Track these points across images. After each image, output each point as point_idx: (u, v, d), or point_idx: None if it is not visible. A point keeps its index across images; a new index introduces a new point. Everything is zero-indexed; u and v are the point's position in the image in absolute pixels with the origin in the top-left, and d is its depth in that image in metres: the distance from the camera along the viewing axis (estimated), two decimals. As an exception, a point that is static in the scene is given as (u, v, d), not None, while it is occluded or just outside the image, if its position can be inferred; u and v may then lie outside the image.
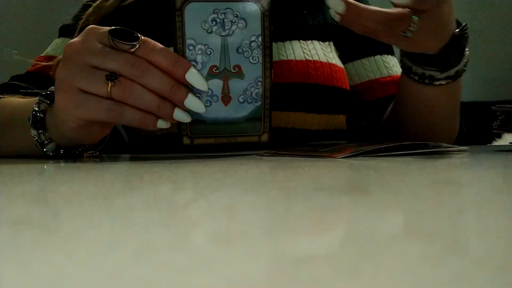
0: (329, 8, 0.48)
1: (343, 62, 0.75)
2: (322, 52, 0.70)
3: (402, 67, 0.59)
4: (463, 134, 0.69)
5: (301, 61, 0.67)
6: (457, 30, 0.54)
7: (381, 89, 0.74)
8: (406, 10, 0.49)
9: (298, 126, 0.68)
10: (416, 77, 0.57)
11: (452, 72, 0.56)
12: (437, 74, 0.56)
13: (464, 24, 0.55)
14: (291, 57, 0.67)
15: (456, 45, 0.54)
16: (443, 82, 0.57)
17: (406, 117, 0.64)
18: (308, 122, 0.68)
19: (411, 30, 0.49)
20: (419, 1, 0.48)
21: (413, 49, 0.54)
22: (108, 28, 0.45)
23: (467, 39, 0.56)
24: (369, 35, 0.52)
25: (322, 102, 0.69)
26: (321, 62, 0.68)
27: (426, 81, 0.57)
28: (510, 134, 0.80)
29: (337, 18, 0.49)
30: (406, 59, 0.58)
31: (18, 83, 0.67)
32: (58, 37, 0.74)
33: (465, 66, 0.57)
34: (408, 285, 0.11)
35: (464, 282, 0.11)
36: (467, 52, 0.57)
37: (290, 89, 0.67)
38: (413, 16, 0.48)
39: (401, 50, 0.58)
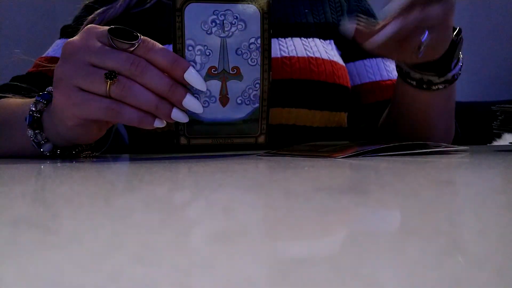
0: (331, 8, 0.49)
1: (345, 61, 0.75)
2: (324, 49, 0.70)
3: (398, 72, 0.60)
4: (458, 136, 0.69)
5: (303, 57, 0.67)
6: (454, 36, 0.55)
7: (381, 92, 0.74)
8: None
9: (300, 123, 0.68)
10: (414, 82, 0.58)
11: (449, 76, 0.57)
12: (435, 79, 0.57)
13: (458, 28, 0.56)
14: (293, 53, 0.67)
15: (454, 50, 0.55)
16: (440, 86, 0.57)
17: (403, 120, 0.64)
18: (309, 118, 0.68)
19: (423, 46, 0.49)
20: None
21: (420, 61, 0.54)
22: (107, 27, 0.45)
23: (462, 42, 0.56)
24: (383, 55, 0.58)
25: (323, 98, 0.69)
26: (322, 59, 0.68)
27: (424, 86, 0.57)
28: (510, 134, 0.80)
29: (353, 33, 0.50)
30: (403, 64, 0.58)
31: (19, 84, 0.67)
32: (60, 38, 0.74)
33: (460, 69, 0.58)
34: (408, 285, 0.11)
35: (464, 282, 0.11)
36: (461, 56, 0.58)
37: (291, 85, 0.67)
38: (425, 35, 0.49)
39: None
